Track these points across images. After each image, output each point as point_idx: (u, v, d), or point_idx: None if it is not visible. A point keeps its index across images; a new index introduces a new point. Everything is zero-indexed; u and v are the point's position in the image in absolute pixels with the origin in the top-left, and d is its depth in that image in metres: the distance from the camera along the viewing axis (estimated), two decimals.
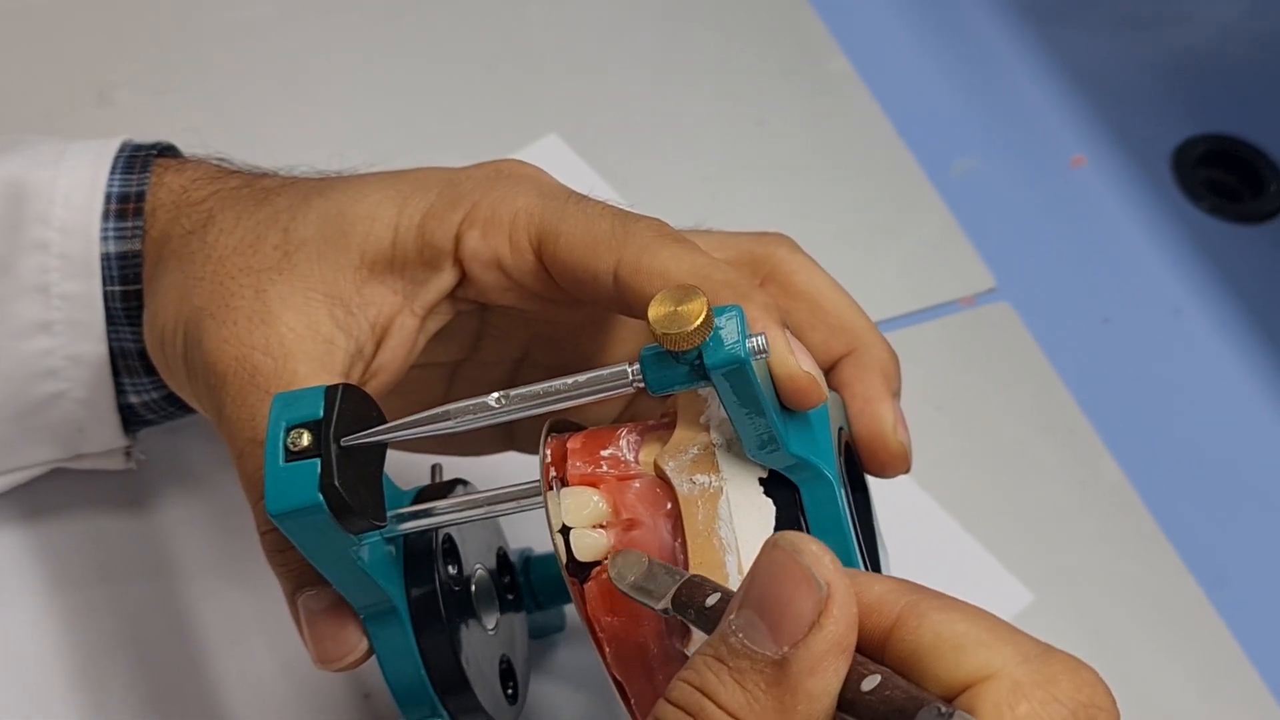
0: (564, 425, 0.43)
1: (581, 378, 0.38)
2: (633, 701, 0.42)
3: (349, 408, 0.40)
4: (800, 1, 0.76)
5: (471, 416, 0.39)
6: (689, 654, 0.39)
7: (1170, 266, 0.70)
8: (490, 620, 0.47)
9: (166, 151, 0.50)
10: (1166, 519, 0.62)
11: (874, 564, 0.43)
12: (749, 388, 0.37)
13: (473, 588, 0.46)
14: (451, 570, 0.45)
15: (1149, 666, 0.58)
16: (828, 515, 0.39)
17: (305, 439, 0.39)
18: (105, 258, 0.47)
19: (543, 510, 0.40)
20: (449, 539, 0.45)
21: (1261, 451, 0.65)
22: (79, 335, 0.48)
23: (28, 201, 0.47)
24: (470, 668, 0.44)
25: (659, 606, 0.36)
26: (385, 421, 0.40)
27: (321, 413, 0.39)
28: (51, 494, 0.53)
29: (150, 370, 0.48)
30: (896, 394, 0.46)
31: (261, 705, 0.51)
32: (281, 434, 0.39)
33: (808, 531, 0.39)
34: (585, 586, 0.40)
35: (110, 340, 0.48)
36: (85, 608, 0.51)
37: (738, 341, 0.36)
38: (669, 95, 0.72)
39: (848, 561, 0.39)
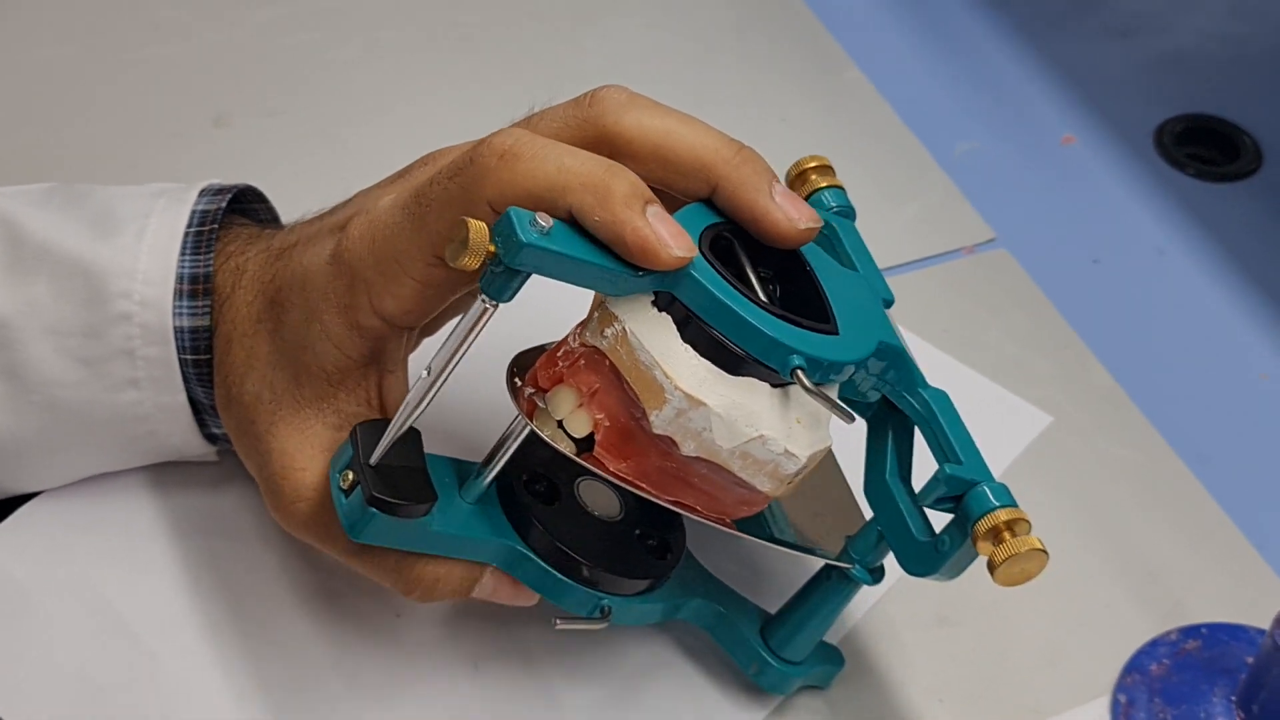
0: (528, 359, 0.52)
1: (460, 322, 0.47)
2: (698, 509, 0.51)
3: (370, 437, 0.50)
4: (814, 24, 0.87)
5: (421, 395, 0.48)
6: (685, 454, 0.48)
7: (1153, 215, 0.79)
8: (612, 509, 0.55)
9: (234, 205, 0.58)
10: (1153, 413, 0.69)
11: (818, 305, 0.50)
12: (557, 260, 0.45)
13: (579, 495, 0.54)
14: (540, 489, 0.54)
15: (1140, 529, 0.65)
16: (706, 301, 0.47)
17: (350, 475, 0.50)
18: (179, 331, 0.55)
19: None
20: (529, 474, 0.54)
21: (1234, 357, 0.73)
22: (162, 389, 0.56)
23: (113, 280, 0.54)
24: (604, 555, 0.53)
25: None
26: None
27: (353, 452, 0.50)
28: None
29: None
30: (772, 188, 0.49)
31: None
32: (336, 480, 0.51)
33: (701, 321, 0.47)
34: (594, 453, 0.49)
35: (189, 393, 0.56)
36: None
37: (514, 237, 0.44)
38: (698, 101, 0.82)
39: (745, 326, 0.47)
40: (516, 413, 0.50)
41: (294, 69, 0.81)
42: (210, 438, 0.58)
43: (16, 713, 0.55)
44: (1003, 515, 0.49)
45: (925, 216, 0.78)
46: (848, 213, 0.57)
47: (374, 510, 0.49)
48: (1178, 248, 0.77)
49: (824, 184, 0.57)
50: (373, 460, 0.49)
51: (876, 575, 0.55)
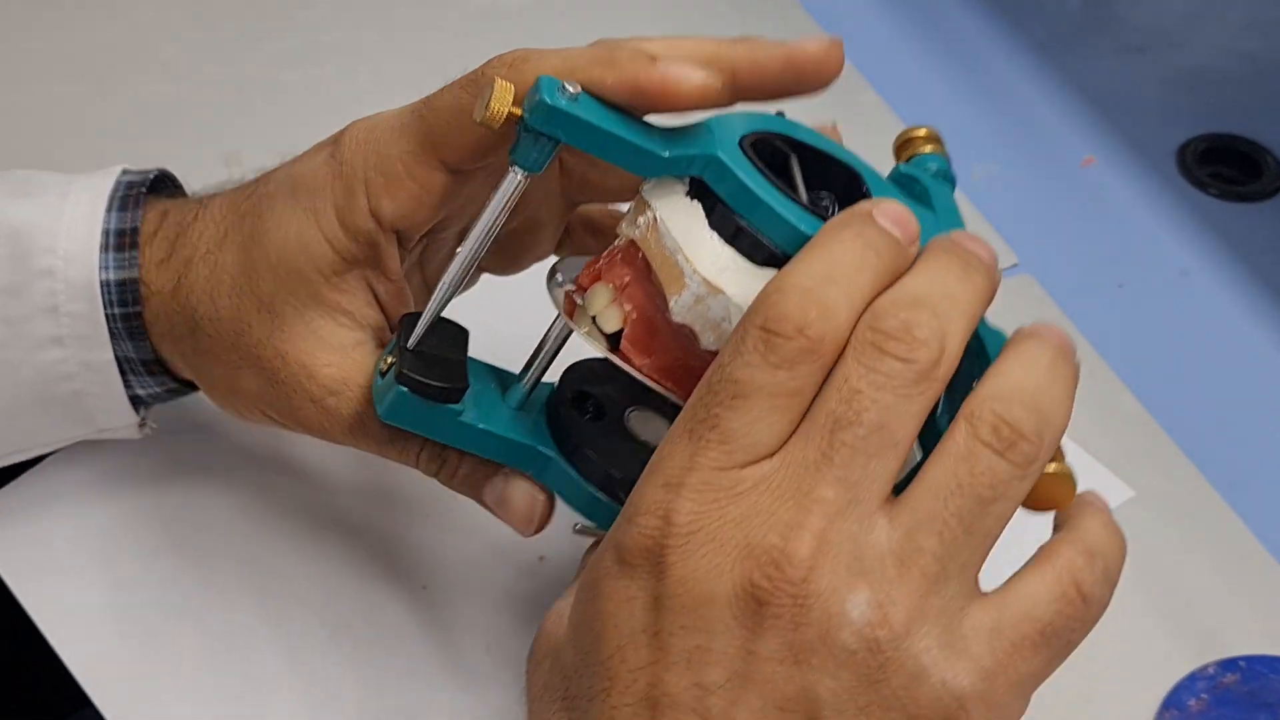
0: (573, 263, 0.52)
1: (495, 196, 0.48)
2: None
3: (413, 325, 0.51)
4: None
5: (455, 272, 0.49)
6: (705, 347, 0.47)
7: (1176, 237, 0.78)
8: (660, 439, 0.54)
9: (158, 181, 0.58)
10: (1183, 439, 0.68)
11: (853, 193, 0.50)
12: (582, 127, 0.45)
13: (628, 423, 0.54)
14: (588, 409, 0.53)
15: (1173, 559, 0.64)
16: (736, 189, 0.46)
17: (389, 359, 0.51)
18: (105, 284, 0.54)
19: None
20: (579, 392, 0.54)
21: (1264, 380, 0.72)
22: (87, 347, 0.55)
23: (36, 236, 0.54)
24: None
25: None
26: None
27: (396, 338, 0.51)
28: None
29: (151, 372, 0.56)
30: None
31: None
32: (379, 364, 0.52)
33: (728, 207, 0.46)
34: (621, 349, 0.48)
35: (115, 351, 0.55)
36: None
37: (540, 99, 0.45)
38: None
39: (770, 213, 0.46)
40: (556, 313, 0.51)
41: (302, 104, 0.81)
42: (135, 400, 0.58)
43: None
44: None
45: None
46: (948, 177, 0.56)
47: (402, 388, 0.50)
48: (1202, 269, 0.76)
49: (929, 149, 0.56)
50: (409, 344, 0.50)
51: None
